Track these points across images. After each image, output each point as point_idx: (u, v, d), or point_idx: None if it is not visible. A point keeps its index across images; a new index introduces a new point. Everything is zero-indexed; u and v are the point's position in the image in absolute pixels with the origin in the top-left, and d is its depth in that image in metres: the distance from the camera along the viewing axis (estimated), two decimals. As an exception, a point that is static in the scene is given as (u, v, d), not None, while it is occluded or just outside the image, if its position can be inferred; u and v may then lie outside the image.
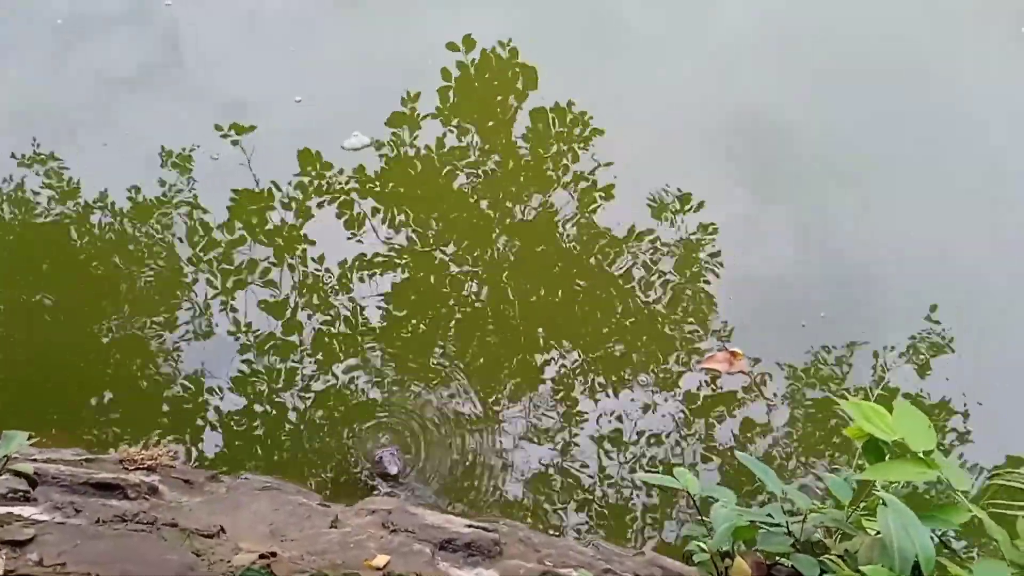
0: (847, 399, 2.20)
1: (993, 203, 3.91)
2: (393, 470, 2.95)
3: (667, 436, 3.26)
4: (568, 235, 3.85)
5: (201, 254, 3.71)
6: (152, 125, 4.18)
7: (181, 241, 3.73)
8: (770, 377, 3.39)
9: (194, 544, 1.81)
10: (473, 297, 3.61)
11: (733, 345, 3.40)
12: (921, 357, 3.48)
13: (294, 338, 3.46)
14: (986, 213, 3.87)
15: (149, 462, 2.50)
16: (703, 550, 2.27)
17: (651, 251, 3.80)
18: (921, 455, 2.10)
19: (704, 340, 3.51)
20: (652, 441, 3.26)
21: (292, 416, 3.25)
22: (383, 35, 4.50)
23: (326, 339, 3.48)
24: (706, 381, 3.34)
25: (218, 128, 4.21)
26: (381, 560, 1.95)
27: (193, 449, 3.14)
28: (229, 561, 1.76)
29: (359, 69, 4.38)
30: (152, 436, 2.68)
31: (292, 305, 3.59)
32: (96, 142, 4.14)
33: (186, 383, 3.30)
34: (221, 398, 3.28)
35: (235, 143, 4.18)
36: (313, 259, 3.72)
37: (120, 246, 3.74)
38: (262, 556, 1.79)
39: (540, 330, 3.51)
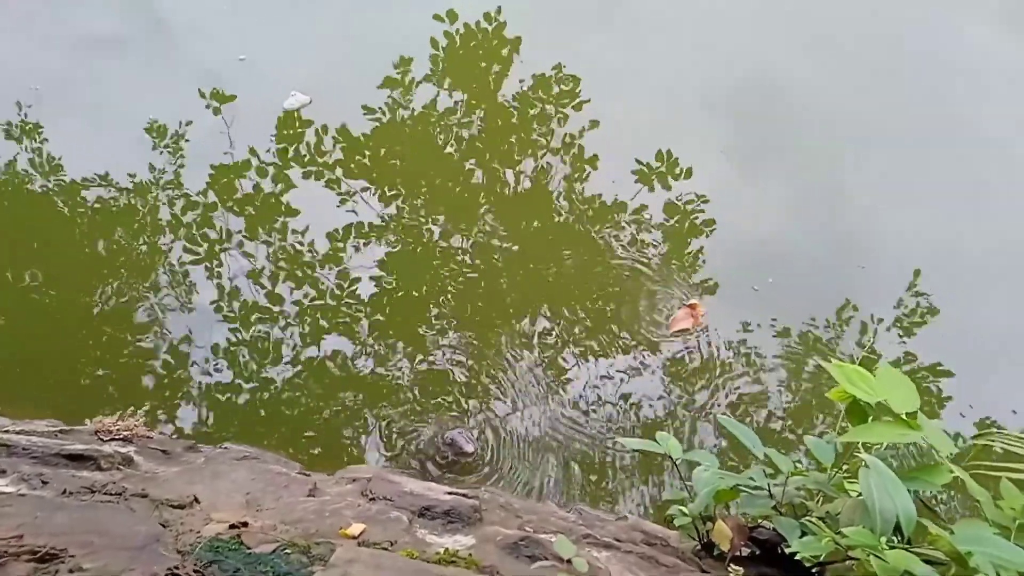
0: (831, 361, 2.16)
1: (979, 174, 3.86)
2: (469, 448, 2.95)
3: (656, 401, 3.23)
4: (558, 202, 3.80)
5: (189, 228, 3.66)
6: (133, 94, 4.11)
7: (169, 218, 3.68)
8: (751, 350, 3.36)
9: (163, 515, 1.78)
10: (463, 265, 3.57)
11: (691, 299, 3.38)
12: (907, 324, 3.45)
13: (278, 308, 3.43)
14: (973, 183, 3.83)
15: (125, 433, 2.46)
16: (685, 514, 2.25)
17: (640, 216, 3.75)
18: (904, 417, 2.08)
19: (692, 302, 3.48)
20: (640, 407, 3.23)
21: (277, 387, 3.22)
22: (369, 5, 4.43)
23: (312, 312, 3.44)
24: (688, 349, 3.31)
25: (201, 95, 4.14)
26: (357, 528, 1.92)
27: (174, 422, 3.12)
28: (199, 532, 1.74)
29: (344, 39, 4.31)
30: (130, 408, 2.64)
31: (272, 272, 3.55)
32: (76, 111, 4.07)
33: (168, 357, 3.27)
34: (207, 372, 3.25)
35: (216, 111, 4.10)
36: (296, 231, 3.67)
37: (106, 221, 3.69)
38: (232, 526, 1.76)
39: (530, 297, 3.48)
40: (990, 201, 3.76)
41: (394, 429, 3.12)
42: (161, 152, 3.92)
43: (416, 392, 3.20)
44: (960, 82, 4.15)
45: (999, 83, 4.17)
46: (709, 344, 3.35)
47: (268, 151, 3.91)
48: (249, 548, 1.71)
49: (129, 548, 1.52)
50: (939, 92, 4.13)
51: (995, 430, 2.21)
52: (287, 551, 1.71)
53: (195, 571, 1.43)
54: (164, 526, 1.72)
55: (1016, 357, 3.31)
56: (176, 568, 1.42)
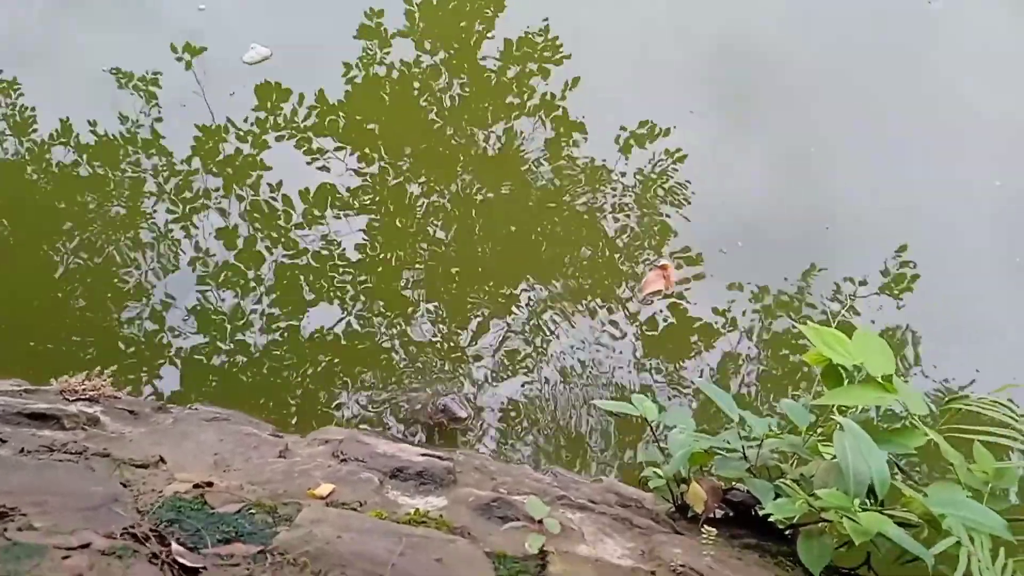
0: (808, 325, 2.14)
1: (954, 137, 3.82)
2: (462, 414, 2.91)
3: (634, 366, 3.21)
4: (536, 166, 3.73)
5: (166, 189, 3.58)
6: (104, 47, 4.00)
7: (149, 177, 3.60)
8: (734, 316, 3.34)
9: (124, 474, 1.74)
10: (440, 231, 3.51)
11: (661, 260, 3.35)
12: (887, 290, 3.44)
13: (252, 272, 3.37)
14: (948, 147, 3.80)
15: (91, 393, 2.41)
16: (659, 476, 2.24)
17: (620, 179, 3.70)
18: (879, 380, 2.06)
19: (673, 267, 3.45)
20: (618, 371, 3.21)
21: (254, 350, 3.17)
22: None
23: (293, 275, 3.38)
24: (663, 313, 3.29)
25: (173, 50, 4.04)
26: (325, 489, 1.89)
27: (150, 384, 3.07)
28: (161, 491, 1.70)
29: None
30: (96, 368, 2.58)
31: (250, 235, 3.48)
32: (47, 66, 3.95)
33: (144, 319, 3.22)
34: (181, 335, 3.20)
35: (188, 65, 4.00)
36: (271, 185, 3.60)
37: (80, 182, 3.60)
38: (196, 486, 1.72)
39: (510, 262, 3.43)
40: (966, 166, 3.73)
41: (373, 394, 3.08)
42: (135, 107, 3.82)
43: (397, 356, 3.17)
44: (938, 46, 4.11)
45: (976, 47, 4.12)
46: (686, 310, 3.32)
47: (236, 112, 3.81)
48: (213, 508, 1.67)
49: (85, 508, 1.47)
50: (916, 55, 4.08)
51: (967, 394, 2.20)
52: (252, 511, 1.67)
53: (152, 530, 1.39)
54: (125, 485, 1.67)
55: (986, 323, 3.30)
56: (132, 527, 1.38)
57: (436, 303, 3.30)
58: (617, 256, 3.45)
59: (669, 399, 3.11)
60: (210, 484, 1.75)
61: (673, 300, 3.32)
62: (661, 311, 3.30)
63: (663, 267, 3.32)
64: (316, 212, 3.54)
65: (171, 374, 3.13)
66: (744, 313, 3.32)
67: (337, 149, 3.73)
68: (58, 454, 1.73)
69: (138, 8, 4.14)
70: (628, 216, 3.58)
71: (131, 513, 1.53)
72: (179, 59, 3.99)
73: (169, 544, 1.36)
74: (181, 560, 1.32)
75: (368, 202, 3.57)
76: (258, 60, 3.85)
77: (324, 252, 3.43)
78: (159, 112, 3.82)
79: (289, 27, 4.09)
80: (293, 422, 2.98)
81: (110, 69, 3.92)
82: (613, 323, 3.26)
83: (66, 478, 1.60)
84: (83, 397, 2.39)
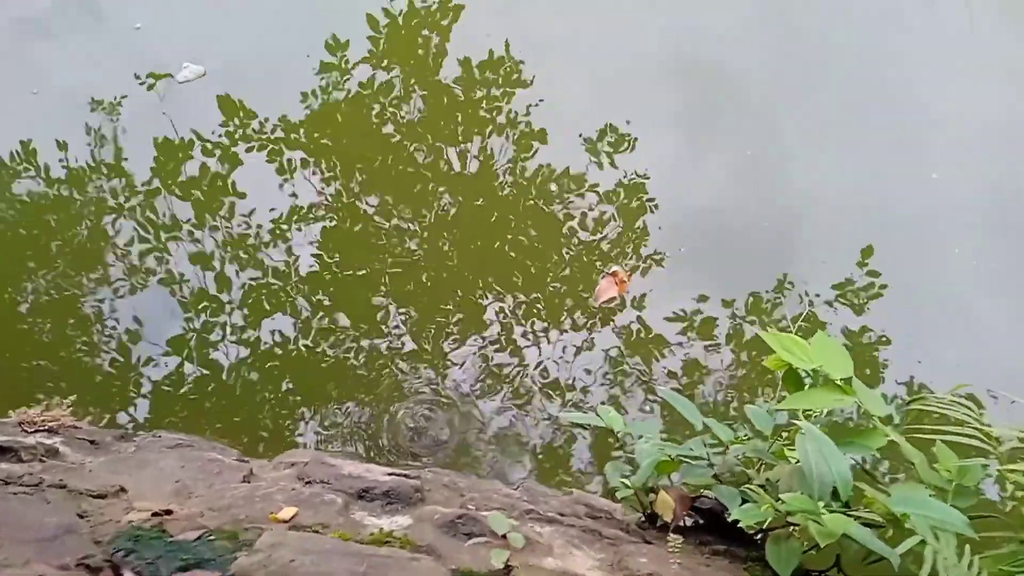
0: (767, 331, 2.16)
1: (919, 143, 3.89)
2: (443, 436, 2.92)
3: (605, 377, 3.21)
4: (503, 180, 3.75)
5: (127, 209, 3.55)
6: (67, 72, 3.98)
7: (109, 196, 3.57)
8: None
9: (81, 505, 1.71)
10: (409, 249, 3.50)
11: (612, 267, 3.37)
12: (852, 295, 3.47)
13: (224, 296, 3.35)
14: (914, 152, 3.86)
15: (51, 423, 2.37)
16: (627, 486, 2.24)
17: (586, 193, 3.72)
18: (839, 383, 2.08)
19: (638, 275, 3.46)
20: (590, 383, 3.21)
21: (221, 373, 3.14)
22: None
23: (258, 294, 3.36)
24: (630, 321, 3.30)
25: (136, 77, 4.02)
26: (287, 512, 1.87)
27: (113, 413, 3.03)
28: (118, 521, 1.67)
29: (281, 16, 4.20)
30: (55, 398, 2.54)
31: (221, 258, 3.46)
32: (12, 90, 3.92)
33: (105, 346, 3.18)
34: (153, 362, 3.17)
35: (151, 88, 3.98)
36: (243, 215, 3.58)
37: (47, 207, 3.56)
38: (155, 514, 1.70)
39: (477, 276, 3.43)
40: (930, 169, 3.79)
41: (342, 415, 3.06)
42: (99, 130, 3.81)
43: (365, 374, 3.15)
44: (902, 52, 4.18)
45: (942, 56, 4.20)
46: (649, 318, 3.34)
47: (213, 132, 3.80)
48: (171, 536, 1.64)
49: (38, 539, 1.44)
50: (881, 63, 4.15)
51: (927, 394, 2.22)
52: (212, 537, 1.65)
53: (106, 561, 1.36)
54: (81, 516, 1.64)
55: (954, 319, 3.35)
56: (86, 558, 1.35)
57: (406, 316, 3.29)
58: (583, 262, 3.46)
59: (640, 411, 3.11)
60: (169, 512, 1.73)
61: (636, 311, 3.33)
62: (632, 322, 3.31)
63: (614, 274, 3.34)
64: (282, 229, 3.52)
65: (138, 402, 3.09)
66: (710, 320, 3.34)
67: (303, 165, 3.73)
68: (13, 487, 1.70)
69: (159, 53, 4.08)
70: (596, 226, 3.60)
71: (86, 544, 1.50)
72: (148, 84, 3.96)
73: (122, 574, 1.33)
74: (133, 590, 1.30)
75: (331, 219, 3.57)
76: (192, 79, 3.82)
77: (284, 270, 3.41)
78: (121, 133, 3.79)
79: (244, 44, 4.08)
80: (260, 448, 2.95)
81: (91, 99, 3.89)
82: (580, 331, 3.26)
83: (20, 510, 1.57)
84: (42, 428, 2.35)
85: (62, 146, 3.74)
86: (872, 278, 3.51)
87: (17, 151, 3.73)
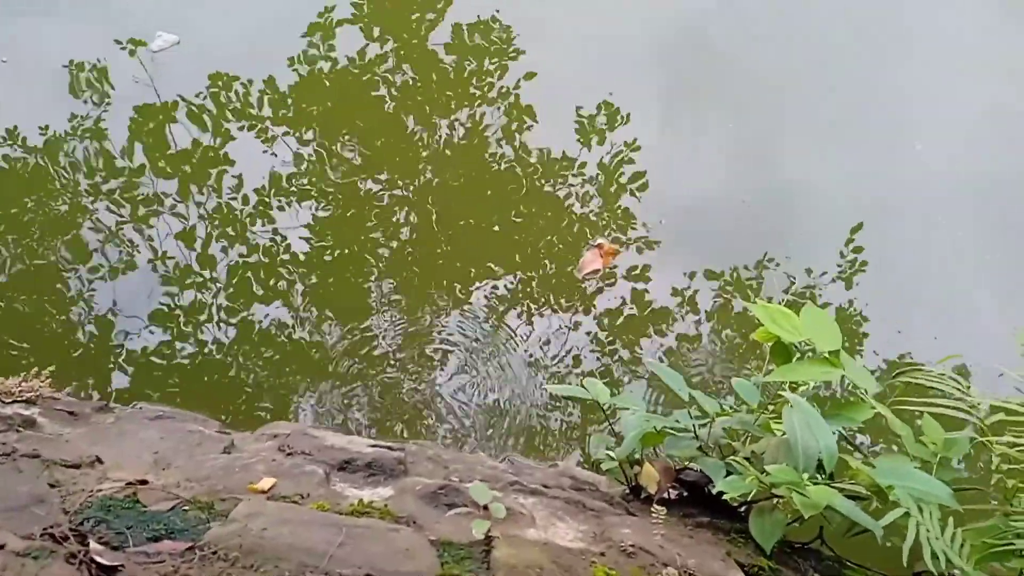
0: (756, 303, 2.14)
1: (907, 126, 3.85)
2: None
3: (590, 351, 3.19)
4: (494, 156, 3.70)
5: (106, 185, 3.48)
6: (49, 42, 3.89)
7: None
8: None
9: (54, 475, 1.68)
10: (400, 224, 3.45)
11: (597, 239, 3.34)
12: (842, 273, 3.45)
13: (207, 273, 3.29)
14: (901, 136, 3.83)
15: (28, 394, 2.33)
16: (612, 458, 2.22)
17: (579, 169, 3.68)
18: (827, 355, 2.06)
19: (627, 252, 3.43)
20: (577, 358, 3.19)
21: (207, 349, 3.10)
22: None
23: (244, 272, 3.30)
24: (619, 296, 3.27)
25: (117, 42, 3.93)
26: (267, 483, 1.84)
27: (98, 387, 2.99)
28: (92, 491, 1.64)
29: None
30: (34, 369, 2.50)
31: (206, 233, 3.40)
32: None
33: (87, 320, 3.13)
34: (132, 335, 3.11)
35: (132, 53, 3.90)
36: (229, 189, 3.51)
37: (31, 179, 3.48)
38: (129, 484, 1.67)
39: (469, 254, 3.38)
40: (916, 154, 3.77)
41: (329, 388, 3.03)
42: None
43: (354, 354, 3.11)
44: (890, 36, 4.14)
45: (929, 38, 4.15)
46: (644, 292, 3.31)
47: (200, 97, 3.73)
48: (145, 506, 1.62)
49: (5, 509, 1.41)
50: (869, 45, 4.11)
51: (915, 366, 2.20)
52: (185, 508, 1.62)
53: (72, 530, 1.33)
54: (53, 486, 1.61)
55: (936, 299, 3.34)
56: (51, 528, 1.32)
57: (396, 293, 3.26)
58: (571, 240, 3.43)
59: (628, 381, 3.09)
60: (144, 482, 1.70)
61: (632, 286, 3.31)
62: (622, 297, 3.28)
63: (599, 246, 3.31)
64: (266, 205, 3.47)
65: (120, 376, 3.05)
66: (698, 293, 3.32)
67: (285, 135, 3.66)
68: (-17, 457, 1.67)
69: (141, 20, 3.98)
70: (586, 202, 3.56)
71: (55, 514, 1.48)
72: (129, 50, 3.88)
73: (88, 544, 1.30)
74: (99, 559, 1.27)
75: (318, 194, 3.51)
76: (166, 47, 3.74)
77: (273, 248, 3.36)
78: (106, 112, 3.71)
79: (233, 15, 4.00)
80: (241, 410, 2.92)
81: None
82: (570, 307, 3.23)
83: (-13, 480, 1.54)
84: (19, 400, 2.31)
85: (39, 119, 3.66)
86: (856, 254, 3.49)
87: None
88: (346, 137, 3.68)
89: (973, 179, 3.68)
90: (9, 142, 3.58)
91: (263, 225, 3.42)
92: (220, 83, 3.80)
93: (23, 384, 2.41)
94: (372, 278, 3.30)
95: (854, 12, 4.27)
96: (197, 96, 3.74)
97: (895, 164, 3.76)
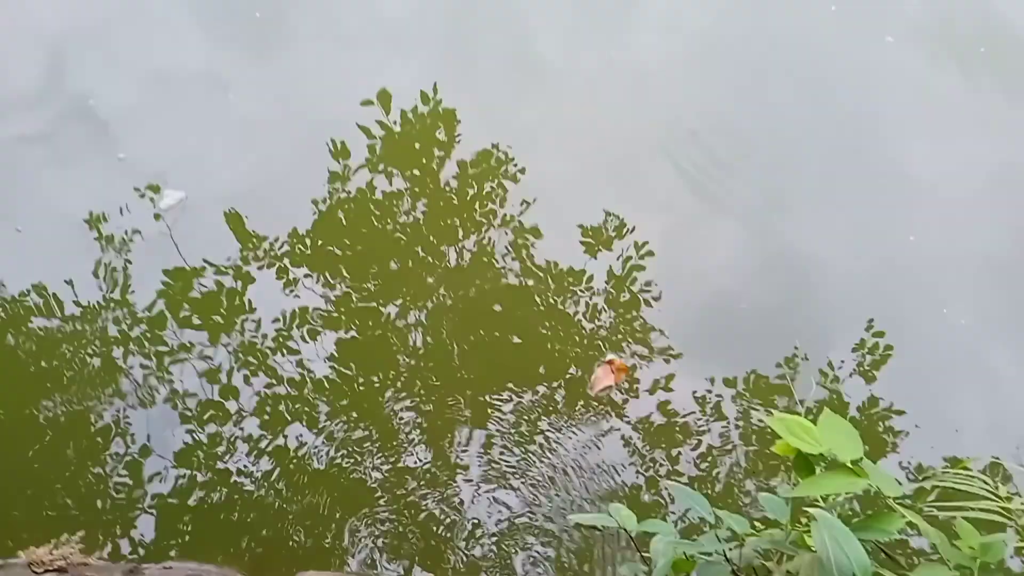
0: (771, 415, 2.14)
1: (915, 212, 3.93)
2: None
3: (615, 470, 3.17)
4: (504, 274, 3.79)
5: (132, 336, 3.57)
6: (69, 194, 4.03)
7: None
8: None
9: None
10: (417, 347, 3.52)
11: (608, 355, 3.36)
12: (863, 367, 3.46)
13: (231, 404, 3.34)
14: (912, 223, 3.89)
15: (59, 562, 2.35)
16: (645, 588, 2.18)
17: (589, 282, 3.75)
18: (849, 464, 2.05)
19: (652, 362, 3.45)
20: (600, 477, 3.17)
21: (236, 494, 3.11)
22: (302, 92, 4.44)
23: (270, 406, 3.35)
24: (643, 414, 3.28)
25: (136, 190, 4.05)
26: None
27: (123, 541, 2.98)
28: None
29: (281, 127, 4.31)
30: (63, 535, 2.52)
31: (229, 368, 3.46)
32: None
33: (111, 473, 3.16)
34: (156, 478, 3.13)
35: (156, 216, 4.06)
36: (250, 326, 3.61)
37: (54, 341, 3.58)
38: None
39: (484, 373, 3.43)
40: (929, 241, 3.83)
41: (362, 531, 3.01)
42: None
43: (385, 488, 3.10)
44: (896, 122, 4.25)
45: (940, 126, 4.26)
46: (668, 402, 3.32)
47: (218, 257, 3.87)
48: None
49: None
50: (873, 130, 4.21)
51: (941, 470, 2.18)
52: None
53: None
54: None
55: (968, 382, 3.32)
56: None
57: (418, 419, 3.28)
58: (590, 353, 3.47)
59: (654, 500, 3.06)
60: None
61: (626, 389, 3.31)
62: (650, 413, 3.28)
63: (610, 362, 3.35)
64: (288, 336, 3.55)
65: (146, 525, 3.04)
66: (721, 402, 3.32)
67: (306, 276, 3.77)
68: (18, 637, 1.67)
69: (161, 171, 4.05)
70: (599, 316, 3.62)
71: None
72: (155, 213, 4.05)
73: None
74: None
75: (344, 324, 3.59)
76: (174, 203, 3.86)
77: (297, 378, 3.42)
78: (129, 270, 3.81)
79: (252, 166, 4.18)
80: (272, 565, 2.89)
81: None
82: (586, 423, 3.24)
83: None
84: (51, 568, 2.33)
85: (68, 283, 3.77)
86: (878, 338, 3.49)
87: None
88: (369, 273, 3.78)
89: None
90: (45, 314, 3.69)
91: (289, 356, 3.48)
92: (251, 244, 3.92)
93: (53, 552, 2.44)
94: (394, 402, 3.33)
95: (857, 94, 4.37)
96: (226, 260, 3.85)
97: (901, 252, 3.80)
